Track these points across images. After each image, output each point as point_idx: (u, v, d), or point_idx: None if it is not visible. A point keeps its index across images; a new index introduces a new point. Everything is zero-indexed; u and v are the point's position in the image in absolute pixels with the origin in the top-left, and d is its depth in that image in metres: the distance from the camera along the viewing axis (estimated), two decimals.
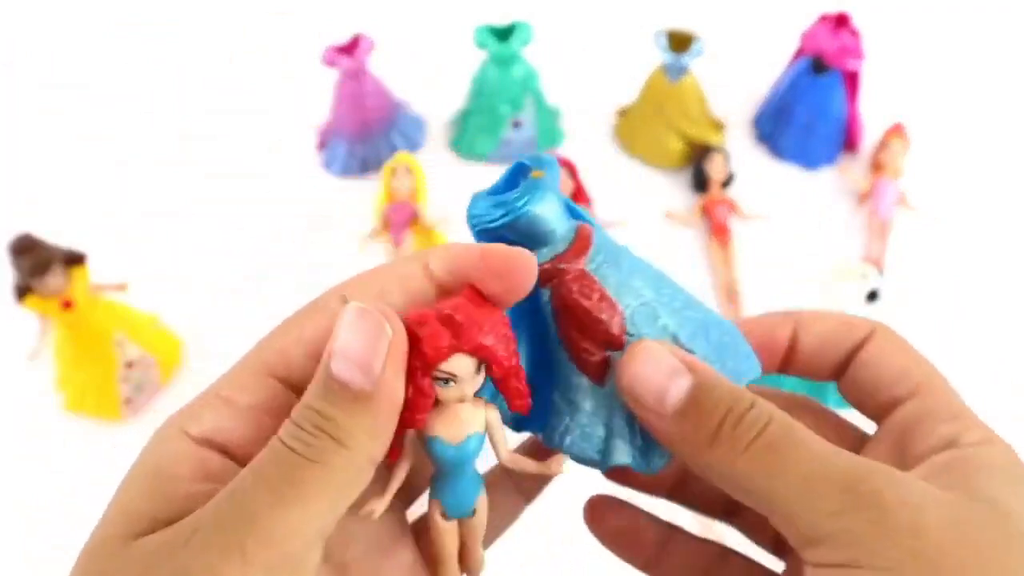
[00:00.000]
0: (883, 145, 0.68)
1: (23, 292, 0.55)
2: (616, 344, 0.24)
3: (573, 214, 0.25)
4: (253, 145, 0.69)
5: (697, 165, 0.68)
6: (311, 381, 0.21)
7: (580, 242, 0.24)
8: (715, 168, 0.67)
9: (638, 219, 0.66)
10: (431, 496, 0.24)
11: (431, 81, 0.75)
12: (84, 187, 0.70)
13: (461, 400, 0.23)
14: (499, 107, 0.67)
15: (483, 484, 0.25)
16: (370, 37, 0.65)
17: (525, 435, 0.27)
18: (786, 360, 0.29)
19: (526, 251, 0.22)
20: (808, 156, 0.71)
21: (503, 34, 0.66)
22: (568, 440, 0.24)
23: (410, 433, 0.23)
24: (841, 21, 0.66)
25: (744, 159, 0.70)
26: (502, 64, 0.66)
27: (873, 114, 0.71)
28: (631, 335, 0.24)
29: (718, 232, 0.66)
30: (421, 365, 0.21)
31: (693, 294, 0.28)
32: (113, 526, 0.20)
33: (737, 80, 0.75)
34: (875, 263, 0.63)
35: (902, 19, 0.83)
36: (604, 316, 0.24)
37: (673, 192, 0.70)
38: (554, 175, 0.25)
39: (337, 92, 0.67)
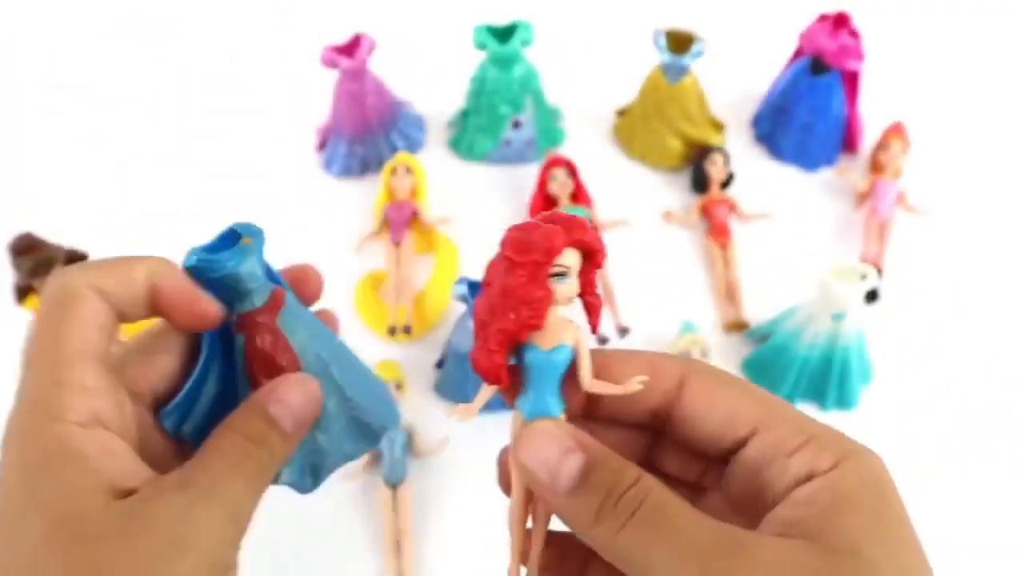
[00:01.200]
0: (882, 145, 0.68)
1: (24, 292, 0.55)
2: None
3: (272, 278, 0.31)
4: (253, 145, 0.69)
5: (697, 165, 0.68)
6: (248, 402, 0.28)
7: (274, 302, 0.30)
8: (715, 168, 0.67)
9: (638, 219, 0.66)
10: (516, 407, 0.27)
11: (431, 81, 0.75)
12: (84, 187, 0.70)
13: (569, 299, 0.26)
14: (499, 107, 0.67)
15: (564, 411, 0.27)
16: (371, 37, 0.65)
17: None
18: (590, 404, 0.28)
19: (205, 299, 0.28)
20: (807, 157, 0.71)
21: (503, 34, 0.66)
22: None
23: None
24: (841, 21, 0.66)
25: (743, 159, 0.70)
26: (502, 64, 0.66)
27: (873, 114, 0.71)
28: None
29: (718, 232, 0.66)
30: (545, 261, 0.25)
31: (359, 358, 0.34)
32: (86, 493, 0.24)
33: (736, 80, 0.75)
34: (874, 263, 0.63)
35: (902, 19, 0.83)
36: (283, 362, 0.29)
37: (673, 192, 0.70)
38: (260, 243, 0.30)
39: (337, 92, 0.67)
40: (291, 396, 0.28)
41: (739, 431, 0.26)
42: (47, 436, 0.25)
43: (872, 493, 0.24)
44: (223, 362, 0.30)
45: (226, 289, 0.29)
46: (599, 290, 0.28)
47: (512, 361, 0.27)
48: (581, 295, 0.27)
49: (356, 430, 0.33)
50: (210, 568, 0.25)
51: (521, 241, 0.25)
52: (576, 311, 0.27)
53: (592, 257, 0.27)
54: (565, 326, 0.26)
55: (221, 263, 0.28)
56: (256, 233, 0.31)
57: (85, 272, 0.27)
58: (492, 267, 0.26)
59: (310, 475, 0.32)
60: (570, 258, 0.26)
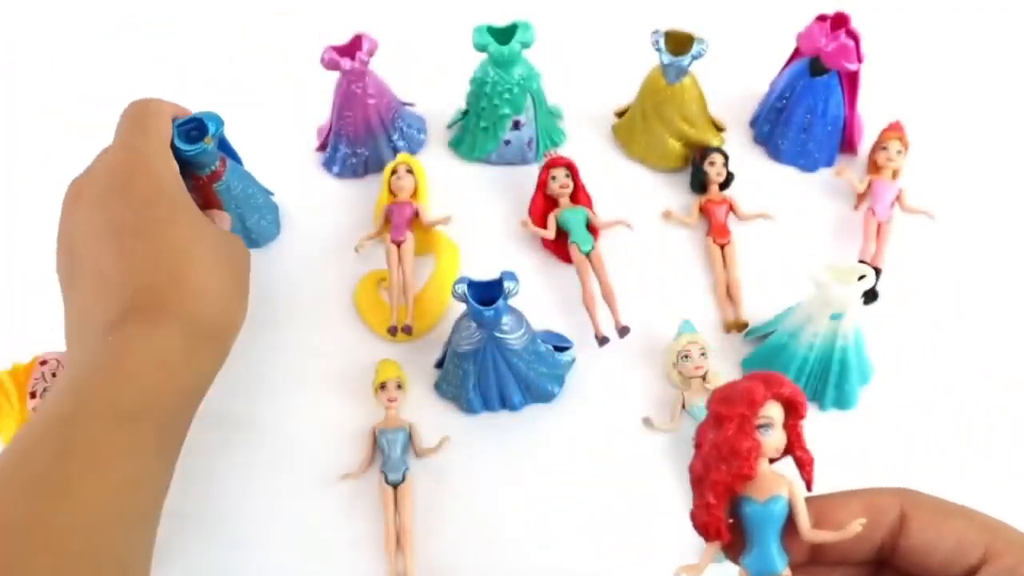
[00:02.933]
0: (880, 145, 0.68)
1: None
2: None
3: (224, 148, 0.60)
4: (253, 145, 0.69)
5: (696, 166, 0.68)
6: None
7: (215, 175, 0.57)
8: (714, 169, 0.67)
9: (638, 219, 0.66)
10: (741, 565, 0.28)
11: (431, 81, 0.75)
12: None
13: (777, 450, 0.28)
14: (499, 107, 0.68)
15: (788, 566, 0.27)
16: (372, 37, 0.65)
17: None
18: (815, 551, 0.28)
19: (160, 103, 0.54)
20: (806, 157, 0.71)
21: (503, 34, 0.66)
22: None
23: None
24: (840, 22, 0.66)
25: (742, 160, 0.71)
26: (502, 64, 0.66)
27: (872, 115, 0.71)
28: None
29: (717, 232, 0.66)
30: (750, 413, 0.27)
31: (256, 190, 0.64)
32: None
33: (735, 81, 0.75)
34: (873, 264, 0.63)
35: (901, 19, 0.83)
36: (214, 204, 0.59)
37: (672, 192, 0.70)
38: (217, 136, 0.56)
39: (337, 92, 0.67)
40: (224, 221, 0.57)
41: (969, 559, 0.26)
42: (131, 155, 0.49)
43: None
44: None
45: (188, 162, 0.55)
46: (805, 443, 0.29)
47: (731, 519, 0.28)
48: (791, 450, 0.29)
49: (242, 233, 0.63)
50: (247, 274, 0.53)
51: (726, 397, 0.28)
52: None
53: (795, 409, 0.28)
54: (777, 478, 0.28)
55: (185, 154, 0.54)
56: (215, 132, 0.56)
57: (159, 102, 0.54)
58: (701, 430, 0.28)
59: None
60: (773, 410, 0.28)
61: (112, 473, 0.36)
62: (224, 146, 0.62)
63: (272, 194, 0.68)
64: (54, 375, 0.53)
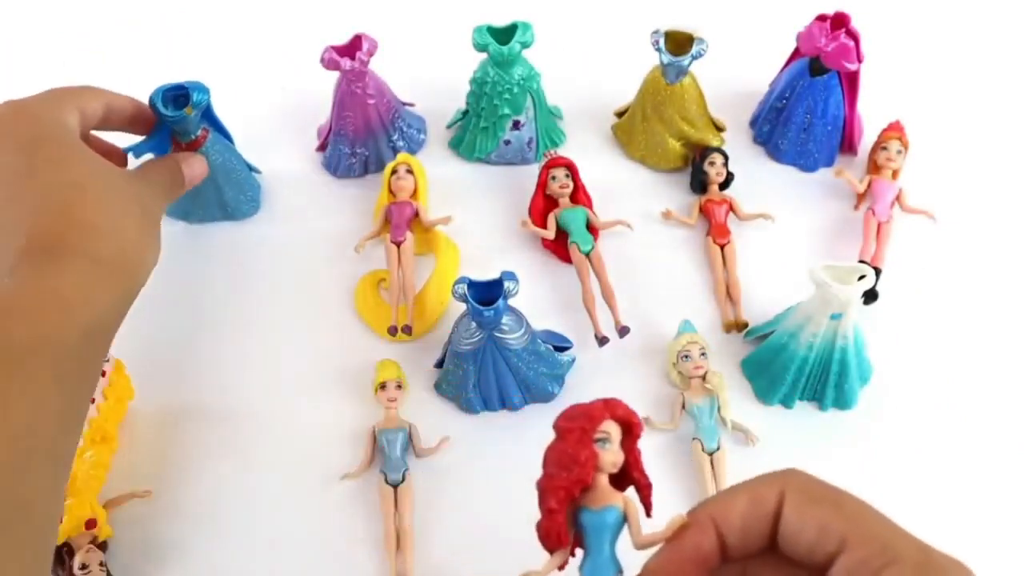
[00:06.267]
0: (880, 145, 0.68)
1: None
2: None
3: (208, 117, 0.62)
4: (253, 145, 0.69)
5: (696, 166, 0.68)
6: None
7: (196, 142, 0.60)
8: (714, 169, 0.67)
9: (638, 219, 0.67)
10: (580, 572, 0.29)
11: (431, 81, 0.75)
12: None
13: (614, 465, 0.30)
14: (499, 107, 0.68)
15: (621, 572, 0.29)
16: (372, 37, 0.65)
17: None
18: (724, 557, 0.29)
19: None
20: (806, 157, 0.71)
21: (503, 34, 0.66)
22: None
23: None
24: (841, 22, 0.66)
25: (742, 160, 0.71)
26: (502, 64, 0.66)
27: (872, 115, 0.71)
28: None
29: (717, 232, 0.66)
30: (589, 427, 0.30)
31: (238, 163, 0.67)
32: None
33: (735, 81, 0.75)
34: (873, 264, 0.63)
35: (901, 19, 0.83)
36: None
37: (672, 193, 0.70)
38: (201, 106, 0.59)
39: (338, 92, 0.67)
40: (195, 165, 0.59)
41: (829, 547, 0.26)
42: (45, 104, 0.49)
43: None
44: (167, 140, 0.61)
45: (171, 129, 0.60)
46: (643, 467, 0.32)
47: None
48: (629, 471, 0.31)
49: (218, 205, 0.67)
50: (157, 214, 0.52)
51: (569, 415, 0.31)
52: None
53: (631, 430, 0.31)
54: (614, 492, 0.30)
55: (165, 118, 0.59)
56: (197, 102, 0.59)
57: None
58: (546, 451, 0.31)
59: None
60: (611, 428, 0.30)
61: (7, 412, 0.35)
62: (212, 120, 0.63)
63: (258, 172, 0.69)
64: None
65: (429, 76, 0.75)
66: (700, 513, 0.29)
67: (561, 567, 0.30)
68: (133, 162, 0.70)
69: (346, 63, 0.64)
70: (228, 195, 0.66)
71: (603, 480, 0.30)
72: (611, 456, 0.30)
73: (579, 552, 0.30)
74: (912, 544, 0.26)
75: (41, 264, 0.41)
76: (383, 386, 0.56)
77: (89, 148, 0.48)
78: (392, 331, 0.60)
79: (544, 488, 0.30)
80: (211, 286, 0.65)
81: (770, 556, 0.29)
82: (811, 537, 0.27)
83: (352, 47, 0.66)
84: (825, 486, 0.28)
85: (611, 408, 0.31)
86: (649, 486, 0.32)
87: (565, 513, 0.29)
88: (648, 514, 0.31)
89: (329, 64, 0.65)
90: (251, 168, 0.68)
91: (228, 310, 0.63)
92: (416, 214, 0.65)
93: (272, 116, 0.74)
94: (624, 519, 0.30)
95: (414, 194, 0.65)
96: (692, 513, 0.29)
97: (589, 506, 0.30)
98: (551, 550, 0.30)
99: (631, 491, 0.32)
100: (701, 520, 0.29)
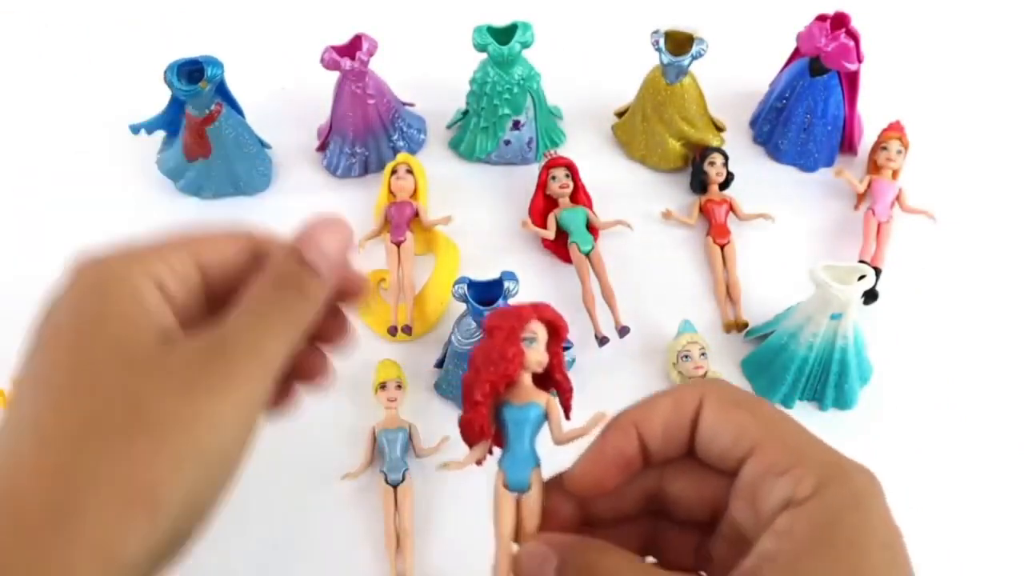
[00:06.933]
0: (880, 145, 0.68)
1: None
2: None
3: (221, 93, 0.63)
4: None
5: (696, 166, 0.68)
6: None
7: (209, 117, 0.62)
8: (714, 169, 0.67)
9: (638, 219, 0.66)
10: (499, 465, 0.31)
11: (431, 81, 0.75)
12: (77, 183, 0.71)
13: (539, 364, 0.31)
14: (499, 107, 0.68)
15: (539, 465, 0.31)
16: (372, 37, 0.65)
17: None
18: (645, 463, 0.29)
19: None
20: (806, 157, 0.71)
21: (503, 34, 0.66)
22: None
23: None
24: (841, 22, 0.66)
25: (742, 160, 0.71)
26: (502, 64, 0.66)
27: (872, 115, 0.71)
28: None
29: (717, 232, 0.66)
30: (518, 325, 0.31)
31: (251, 142, 0.66)
32: (142, 330, 0.27)
33: (735, 81, 0.75)
34: (873, 264, 0.63)
35: (901, 19, 0.83)
36: (203, 148, 0.65)
37: (672, 193, 0.70)
38: (215, 80, 0.60)
39: (338, 92, 0.67)
40: (324, 238, 0.30)
41: (740, 450, 0.27)
42: (123, 274, 0.28)
43: (852, 522, 0.24)
44: (179, 116, 0.64)
45: (184, 104, 0.62)
46: (566, 370, 0.33)
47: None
48: (552, 373, 0.32)
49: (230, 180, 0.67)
50: (245, 409, 0.27)
51: (499, 314, 0.32)
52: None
53: (557, 333, 0.33)
54: (537, 391, 0.31)
55: (180, 93, 0.61)
56: (211, 77, 0.61)
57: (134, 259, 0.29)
58: (475, 349, 0.31)
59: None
60: (538, 329, 0.32)
61: None
62: (226, 95, 0.65)
63: (269, 147, 0.70)
64: None
65: (429, 76, 0.75)
66: (623, 419, 0.29)
67: (479, 462, 0.31)
68: (146, 161, 0.71)
69: (346, 63, 0.64)
70: (240, 169, 0.67)
71: (527, 379, 0.31)
72: (536, 355, 0.31)
73: (497, 451, 0.32)
74: (819, 448, 0.27)
75: (36, 549, 0.25)
76: (383, 386, 0.56)
77: (140, 347, 0.27)
78: (392, 331, 0.60)
79: (470, 382, 0.31)
80: None
81: (687, 462, 0.29)
82: (726, 441, 0.27)
83: (352, 47, 0.66)
84: (744, 394, 0.28)
85: (539, 310, 0.32)
86: (570, 389, 0.33)
87: (488, 407, 0.31)
88: (567, 416, 0.32)
89: (329, 64, 0.65)
90: (262, 143, 0.69)
91: None
92: (416, 214, 0.65)
93: (272, 116, 0.74)
94: (545, 416, 0.31)
95: (414, 194, 0.65)
96: (616, 419, 0.30)
97: (512, 401, 0.31)
98: (472, 443, 0.31)
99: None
100: (624, 425, 0.29)
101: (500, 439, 0.31)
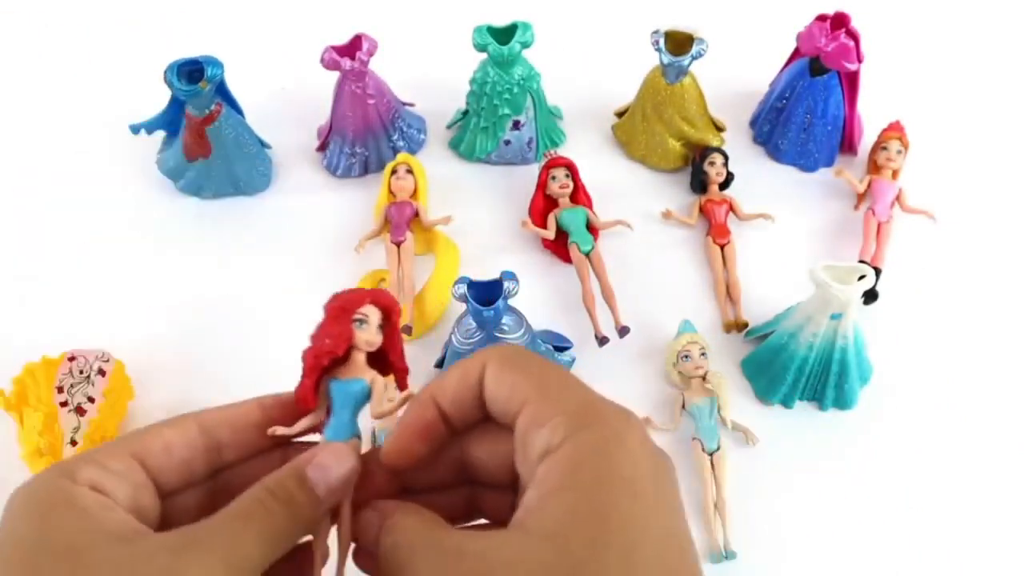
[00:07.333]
0: (879, 145, 0.68)
1: None
2: None
3: (221, 92, 0.63)
4: None
5: (696, 166, 0.68)
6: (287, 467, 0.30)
7: (209, 117, 0.63)
8: (714, 169, 0.67)
9: (638, 219, 0.66)
10: (323, 435, 0.33)
11: (431, 81, 0.75)
12: (75, 183, 0.71)
13: (369, 344, 0.34)
14: (499, 107, 0.68)
15: (358, 437, 0.33)
16: (372, 37, 0.65)
17: None
18: (450, 433, 0.31)
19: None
20: (806, 157, 0.71)
21: (503, 34, 0.66)
22: None
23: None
24: (841, 22, 0.66)
25: (742, 160, 0.71)
26: (502, 64, 0.66)
27: (872, 115, 0.71)
28: None
29: (717, 232, 0.66)
30: (348, 308, 0.34)
31: (251, 139, 0.66)
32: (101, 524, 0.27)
33: (735, 81, 0.75)
34: (873, 264, 0.63)
35: (901, 19, 0.83)
36: (203, 148, 0.65)
37: (673, 193, 0.70)
38: (215, 80, 0.61)
39: (338, 92, 0.67)
40: (330, 463, 0.31)
41: (514, 405, 0.28)
42: (53, 488, 0.27)
43: (595, 463, 0.25)
44: (179, 116, 0.63)
45: (184, 104, 0.61)
46: (403, 352, 0.36)
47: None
48: (386, 355, 0.35)
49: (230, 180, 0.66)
50: None
51: (335, 297, 0.34)
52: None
53: (389, 316, 0.35)
54: (366, 369, 0.34)
55: (180, 93, 0.61)
56: (211, 77, 0.61)
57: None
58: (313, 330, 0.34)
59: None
60: (371, 311, 0.34)
61: None
62: (225, 95, 0.65)
63: (269, 147, 0.70)
64: (81, 371, 0.54)
65: (429, 76, 0.75)
66: (422, 393, 0.31)
67: (315, 429, 0.33)
68: (147, 161, 0.71)
69: (346, 63, 0.64)
70: (240, 169, 0.67)
71: (359, 357, 0.34)
72: (366, 335, 0.34)
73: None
74: (579, 396, 0.27)
75: None
76: None
77: (140, 553, 0.27)
78: None
79: (303, 357, 0.34)
80: (212, 284, 0.64)
81: (489, 427, 0.30)
82: (503, 399, 0.28)
83: (352, 47, 0.66)
84: (524, 355, 0.30)
85: (373, 295, 0.35)
86: (404, 370, 0.36)
87: (315, 379, 0.33)
88: (401, 386, 0.36)
89: (329, 64, 0.65)
90: (262, 143, 0.70)
91: (227, 310, 0.63)
92: (416, 214, 0.65)
93: (272, 116, 0.74)
94: (369, 393, 0.34)
95: (414, 194, 0.65)
96: (417, 394, 0.31)
97: (339, 377, 0.34)
98: (301, 412, 0.34)
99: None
100: (423, 398, 0.31)
101: (326, 407, 0.34)
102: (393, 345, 0.35)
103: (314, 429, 0.34)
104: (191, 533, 0.27)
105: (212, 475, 0.32)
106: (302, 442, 0.34)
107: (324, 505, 0.30)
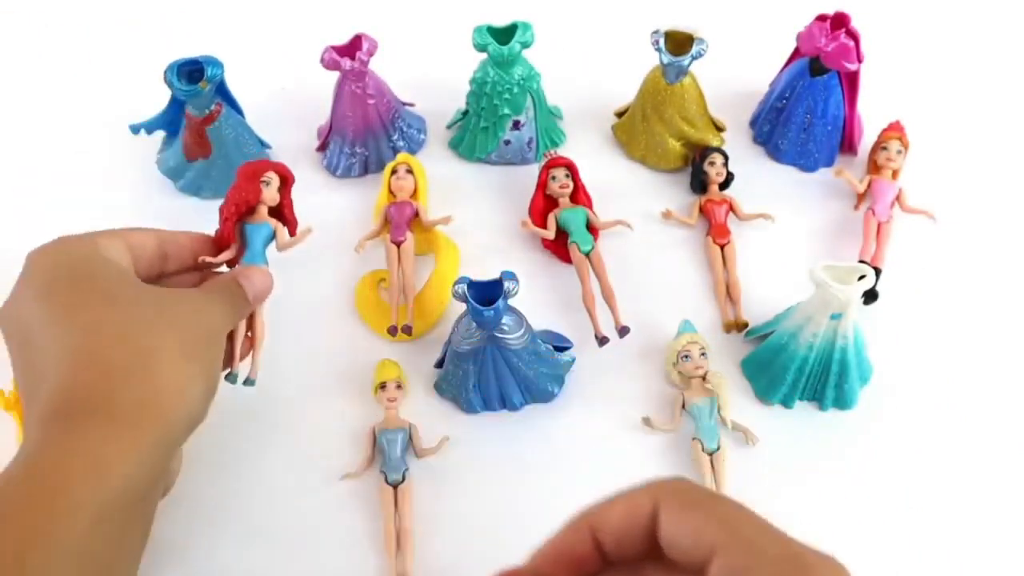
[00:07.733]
0: (879, 145, 0.68)
1: None
2: None
3: (221, 92, 0.65)
4: None
5: (696, 166, 0.68)
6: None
7: (209, 117, 0.64)
8: (714, 169, 0.67)
9: (638, 219, 0.67)
10: (240, 263, 0.50)
11: (431, 81, 0.75)
12: (74, 181, 0.71)
13: (273, 199, 0.52)
14: (499, 108, 0.68)
15: (266, 263, 0.51)
16: (372, 37, 0.65)
17: None
18: (604, 561, 0.29)
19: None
20: (806, 157, 0.71)
21: (503, 34, 0.66)
22: None
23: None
24: (841, 22, 0.66)
25: (742, 160, 0.71)
26: (502, 64, 0.66)
27: (872, 115, 0.71)
28: None
29: (717, 232, 0.66)
30: (257, 172, 0.51)
31: (249, 137, 0.69)
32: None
33: (735, 81, 0.75)
34: (873, 264, 0.63)
35: (901, 19, 0.83)
36: (204, 147, 0.67)
37: (673, 193, 0.70)
38: (215, 79, 0.62)
39: (338, 92, 0.67)
40: (255, 277, 0.49)
41: (701, 553, 0.27)
42: (78, 243, 0.43)
43: None
44: (179, 116, 0.65)
45: (184, 104, 0.63)
46: (292, 207, 0.54)
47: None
48: (282, 210, 0.53)
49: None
50: (211, 335, 0.44)
51: (245, 164, 0.52)
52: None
53: (286, 181, 0.53)
54: (270, 218, 0.52)
55: (179, 93, 0.62)
56: (211, 77, 0.62)
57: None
58: (230, 188, 0.51)
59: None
60: (271, 176, 0.52)
61: None
62: (225, 95, 0.66)
63: (269, 147, 0.71)
64: None
65: (429, 76, 0.75)
66: (579, 520, 0.29)
67: (231, 263, 0.51)
68: (146, 161, 0.71)
69: (346, 63, 0.64)
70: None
71: (264, 210, 0.52)
72: (270, 193, 0.52)
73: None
74: (778, 542, 0.26)
75: (50, 434, 0.36)
76: (383, 386, 0.56)
77: (127, 277, 0.43)
78: (392, 331, 0.60)
79: (222, 206, 0.50)
80: None
81: (663, 559, 0.29)
82: (687, 544, 0.27)
83: (352, 47, 0.66)
84: (700, 491, 0.29)
85: (274, 165, 0.52)
86: (294, 221, 0.54)
87: (233, 222, 0.50)
88: (291, 233, 0.53)
89: (329, 64, 0.65)
90: (262, 143, 0.70)
91: None
92: (416, 214, 0.65)
93: (272, 116, 0.74)
94: (273, 233, 0.52)
95: (414, 194, 0.65)
96: (572, 520, 0.30)
97: (250, 222, 0.51)
98: (223, 247, 0.50)
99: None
100: (578, 526, 0.29)
101: (241, 247, 0.51)
102: (287, 203, 0.53)
103: (230, 263, 0.50)
104: (203, 287, 0.48)
105: (156, 279, 0.47)
106: (215, 272, 0.51)
107: (252, 306, 0.48)
